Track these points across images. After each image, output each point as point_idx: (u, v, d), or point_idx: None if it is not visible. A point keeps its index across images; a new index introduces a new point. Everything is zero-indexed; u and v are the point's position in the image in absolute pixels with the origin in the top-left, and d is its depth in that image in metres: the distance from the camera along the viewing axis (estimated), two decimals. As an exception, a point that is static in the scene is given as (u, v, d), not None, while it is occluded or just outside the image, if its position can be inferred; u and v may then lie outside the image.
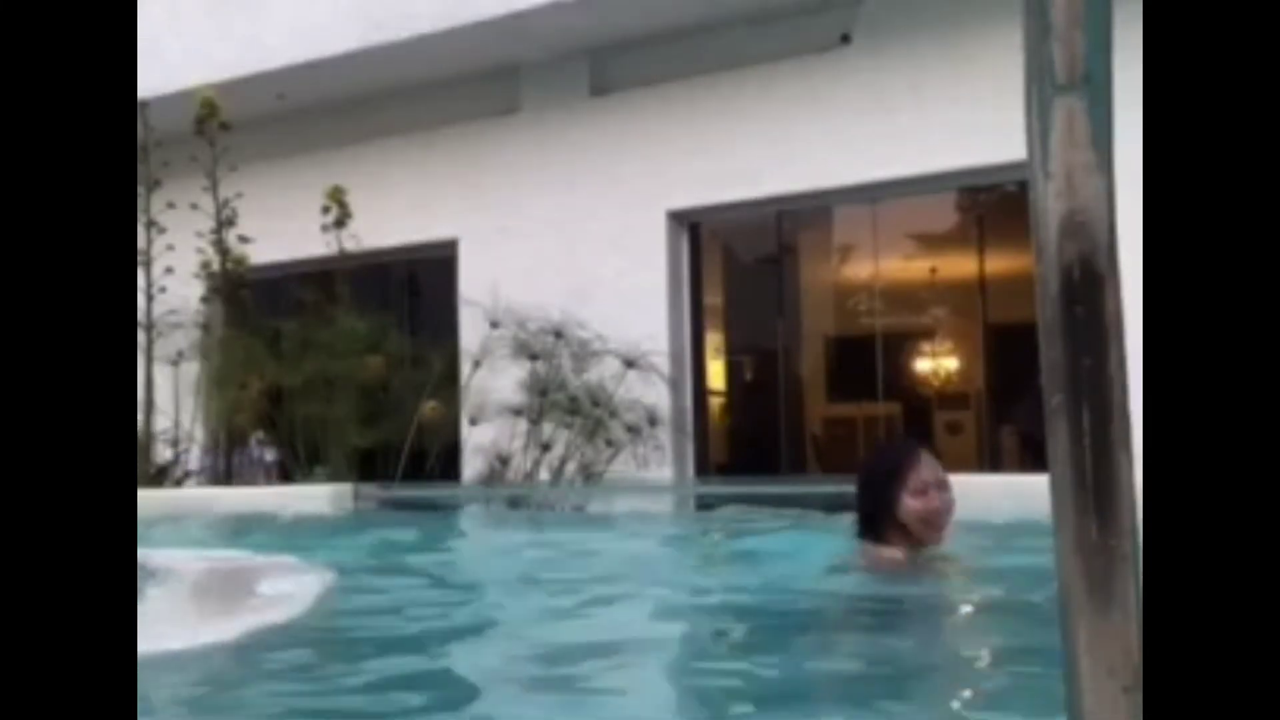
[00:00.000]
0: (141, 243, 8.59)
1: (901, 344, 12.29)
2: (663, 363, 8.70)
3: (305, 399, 8.77)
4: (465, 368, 9.07)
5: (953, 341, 12.75)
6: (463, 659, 2.81)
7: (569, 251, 9.03)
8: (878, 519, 3.38)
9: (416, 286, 10.93)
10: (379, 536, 5.94)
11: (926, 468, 3.34)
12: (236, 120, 9.01)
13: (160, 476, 8.93)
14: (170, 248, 8.76)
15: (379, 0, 9.03)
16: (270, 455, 9.24)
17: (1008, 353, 10.70)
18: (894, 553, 3.36)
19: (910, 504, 3.30)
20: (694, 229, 9.30)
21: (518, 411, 8.70)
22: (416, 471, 8.78)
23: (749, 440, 11.06)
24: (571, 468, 8.60)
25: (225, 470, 9.34)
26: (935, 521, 3.32)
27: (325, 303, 9.16)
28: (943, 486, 3.34)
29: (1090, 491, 0.80)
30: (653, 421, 8.60)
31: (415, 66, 9.34)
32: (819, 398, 12.44)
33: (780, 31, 8.56)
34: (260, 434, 9.40)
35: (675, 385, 8.81)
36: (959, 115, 7.69)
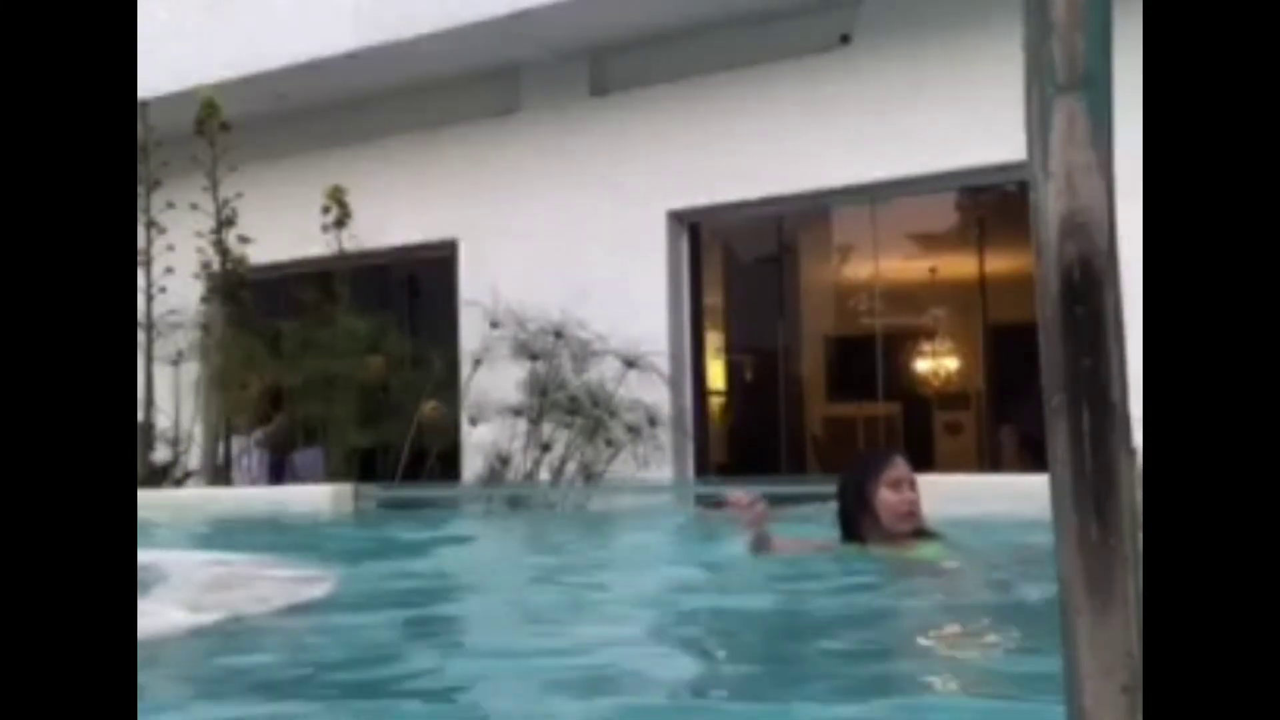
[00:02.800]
0: (141, 243, 8.60)
1: (901, 344, 12.28)
2: (663, 363, 8.69)
3: (305, 399, 8.77)
4: (465, 368, 9.07)
5: (953, 341, 12.75)
6: (457, 659, 2.81)
7: (569, 251, 9.03)
8: (856, 514, 3.71)
9: (416, 286, 10.93)
10: (379, 536, 5.94)
11: (899, 467, 3.71)
12: (236, 120, 9.01)
13: (160, 476, 8.93)
14: (170, 248, 8.76)
15: (379, 0, 9.03)
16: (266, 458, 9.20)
17: (1008, 353, 10.71)
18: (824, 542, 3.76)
19: (886, 496, 3.64)
20: (694, 229, 9.29)
21: (518, 411, 8.70)
22: (416, 471, 8.78)
23: (749, 440, 11.06)
24: (571, 468, 8.60)
25: (225, 470, 9.34)
26: (905, 513, 3.66)
27: (325, 303, 9.16)
28: (913, 486, 3.71)
29: (1090, 492, 0.80)
30: (653, 421, 8.59)
31: (415, 66, 9.34)
32: (819, 398, 12.44)
33: (780, 31, 8.56)
34: (259, 434, 9.38)
35: (675, 385, 8.80)
36: (959, 115, 7.68)
